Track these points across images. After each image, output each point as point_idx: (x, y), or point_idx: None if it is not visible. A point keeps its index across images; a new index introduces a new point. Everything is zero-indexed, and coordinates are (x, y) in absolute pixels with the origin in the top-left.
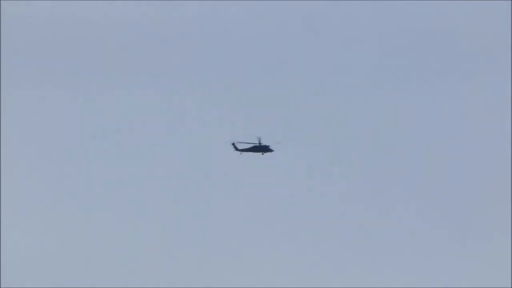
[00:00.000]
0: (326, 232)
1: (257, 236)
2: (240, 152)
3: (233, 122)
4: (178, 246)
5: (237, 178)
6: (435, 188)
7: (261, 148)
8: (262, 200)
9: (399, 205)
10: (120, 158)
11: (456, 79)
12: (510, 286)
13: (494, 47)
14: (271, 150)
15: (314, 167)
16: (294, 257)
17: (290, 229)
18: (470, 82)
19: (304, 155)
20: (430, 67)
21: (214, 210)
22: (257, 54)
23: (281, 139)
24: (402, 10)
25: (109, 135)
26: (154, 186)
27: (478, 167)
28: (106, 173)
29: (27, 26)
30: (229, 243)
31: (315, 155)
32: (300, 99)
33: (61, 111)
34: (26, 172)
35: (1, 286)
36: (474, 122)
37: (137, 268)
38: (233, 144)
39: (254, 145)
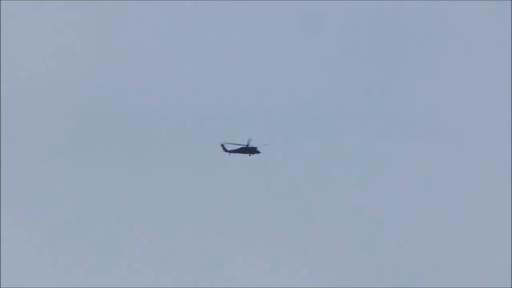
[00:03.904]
0: (315, 232)
1: (246, 237)
2: (228, 153)
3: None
4: (175, 249)
5: (226, 179)
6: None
7: (249, 150)
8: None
9: (392, 203)
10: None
11: (456, 81)
12: (510, 286)
13: (494, 47)
14: (258, 152)
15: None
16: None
17: (279, 229)
18: (470, 82)
19: (294, 155)
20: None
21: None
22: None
23: (269, 141)
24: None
25: None
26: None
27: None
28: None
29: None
30: (222, 244)
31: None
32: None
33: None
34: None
35: (1, 286)
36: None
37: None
38: (222, 145)
39: (242, 146)
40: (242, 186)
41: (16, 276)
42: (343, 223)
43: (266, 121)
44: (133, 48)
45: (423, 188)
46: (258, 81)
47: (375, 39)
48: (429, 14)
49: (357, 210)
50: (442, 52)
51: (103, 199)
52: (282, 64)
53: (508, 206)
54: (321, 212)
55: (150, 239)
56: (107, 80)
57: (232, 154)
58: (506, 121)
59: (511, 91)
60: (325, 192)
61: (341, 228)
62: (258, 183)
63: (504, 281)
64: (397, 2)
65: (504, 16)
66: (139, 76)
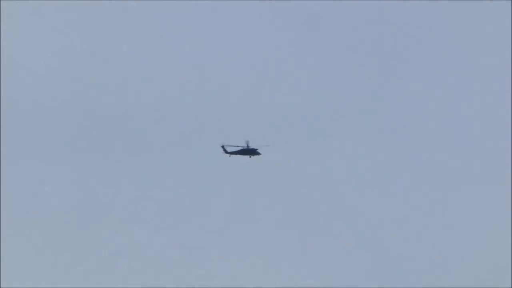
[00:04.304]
0: (315, 234)
1: (246, 238)
2: (229, 154)
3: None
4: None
5: (226, 180)
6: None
7: (249, 151)
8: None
9: (392, 203)
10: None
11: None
12: (510, 286)
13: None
14: (258, 153)
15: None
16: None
17: (279, 230)
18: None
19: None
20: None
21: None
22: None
23: (268, 141)
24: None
25: None
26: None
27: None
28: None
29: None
30: (221, 245)
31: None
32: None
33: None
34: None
35: (1, 286)
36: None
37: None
38: (223, 146)
39: (242, 148)
40: (242, 187)
41: (16, 276)
42: (342, 224)
43: (265, 121)
44: (133, 48)
45: (422, 188)
46: (257, 81)
47: (375, 39)
48: (429, 15)
49: (356, 211)
50: (442, 53)
51: (103, 199)
52: (282, 64)
53: (508, 206)
54: (320, 213)
55: (149, 240)
56: (107, 80)
57: (233, 156)
58: (506, 122)
59: (511, 91)
60: (324, 193)
61: (340, 228)
62: (258, 185)
63: (504, 281)
64: (397, 2)
65: (504, 16)
66: (139, 76)
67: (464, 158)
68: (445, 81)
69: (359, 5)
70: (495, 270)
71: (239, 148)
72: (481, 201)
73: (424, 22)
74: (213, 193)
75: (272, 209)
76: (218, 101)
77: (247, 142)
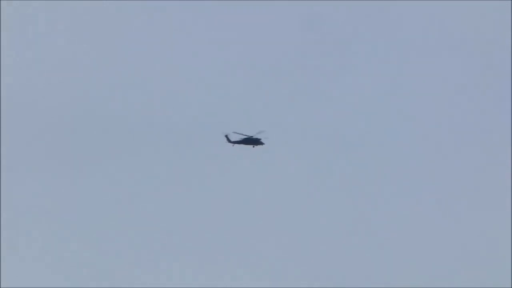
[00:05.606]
0: (317, 226)
1: (249, 230)
2: (232, 144)
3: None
4: (172, 242)
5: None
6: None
7: (253, 141)
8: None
9: (394, 198)
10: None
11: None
12: (510, 287)
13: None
14: (262, 143)
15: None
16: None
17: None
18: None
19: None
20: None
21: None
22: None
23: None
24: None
25: None
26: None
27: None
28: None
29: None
30: (220, 244)
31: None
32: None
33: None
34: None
35: (1, 286)
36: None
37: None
38: (226, 136)
39: (246, 137)
40: (241, 189)
41: (16, 276)
42: (342, 223)
43: (264, 120)
44: (133, 48)
45: (422, 188)
46: (257, 81)
47: (374, 39)
48: (429, 15)
49: (355, 209)
50: (442, 53)
51: (103, 198)
52: (280, 64)
53: (508, 206)
54: (318, 212)
55: (149, 240)
56: (106, 81)
57: (236, 145)
58: (507, 122)
59: (511, 93)
60: (323, 191)
61: (339, 227)
62: (258, 188)
63: (504, 281)
64: (397, 2)
65: (504, 16)
66: (139, 77)
67: (463, 158)
68: (444, 81)
69: (358, 5)
70: (495, 270)
71: (242, 138)
72: (481, 200)
73: (424, 22)
74: (211, 193)
75: (271, 208)
76: (217, 101)
77: (259, 133)
